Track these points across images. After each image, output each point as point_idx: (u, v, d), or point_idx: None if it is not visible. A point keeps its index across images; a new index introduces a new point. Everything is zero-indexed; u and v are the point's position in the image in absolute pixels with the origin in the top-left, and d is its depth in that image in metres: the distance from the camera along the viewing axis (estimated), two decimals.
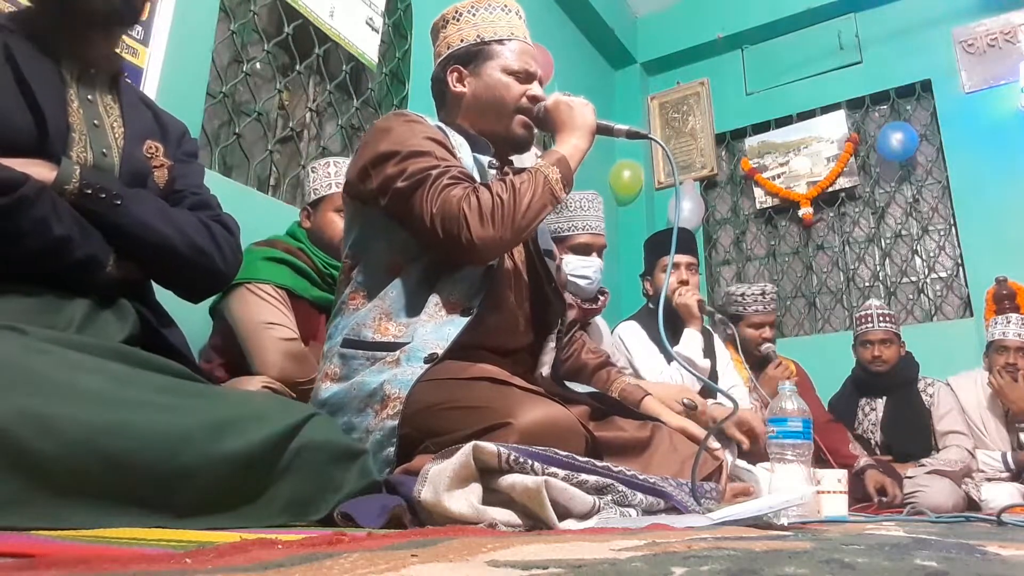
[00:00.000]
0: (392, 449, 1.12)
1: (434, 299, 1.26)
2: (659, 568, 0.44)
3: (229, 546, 0.48)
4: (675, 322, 2.49)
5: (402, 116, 1.36)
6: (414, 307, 1.27)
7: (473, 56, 1.45)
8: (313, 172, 2.04)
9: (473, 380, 1.13)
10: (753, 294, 2.86)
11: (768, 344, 2.82)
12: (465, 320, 1.23)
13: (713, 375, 2.52)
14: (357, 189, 1.33)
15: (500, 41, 1.45)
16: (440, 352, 1.18)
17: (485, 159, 1.43)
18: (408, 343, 1.21)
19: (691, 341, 2.42)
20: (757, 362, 2.81)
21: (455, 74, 1.46)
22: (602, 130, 1.41)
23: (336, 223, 1.94)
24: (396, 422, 1.12)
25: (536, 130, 1.47)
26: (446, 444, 0.98)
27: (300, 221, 2.03)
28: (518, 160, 1.56)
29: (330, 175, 2.00)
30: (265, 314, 1.77)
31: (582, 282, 2.14)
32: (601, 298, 2.27)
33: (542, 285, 1.47)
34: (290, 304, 1.84)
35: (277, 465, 0.90)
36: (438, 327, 1.22)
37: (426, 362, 1.17)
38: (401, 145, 1.27)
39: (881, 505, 2.58)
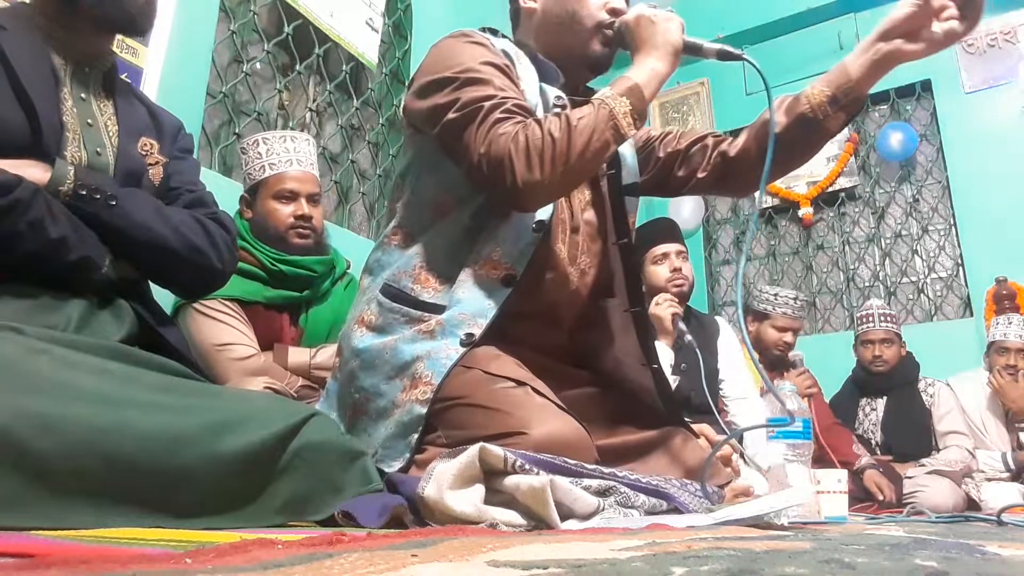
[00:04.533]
0: (416, 436, 1.08)
1: (477, 254, 1.18)
2: (659, 568, 0.44)
3: (229, 546, 0.48)
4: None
5: (466, 37, 1.24)
6: (456, 260, 1.19)
7: None
8: (244, 154, 1.83)
9: (496, 377, 1.09)
10: (785, 297, 2.87)
11: (797, 352, 2.80)
12: (506, 291, 1.15)
13: (715, 380, 2.47)
14: (411, 113, 1.24)
15: None
16: (478, 333, 1.12)
17: (552, 93, 1.28)
18: (445, 308, 1.16)
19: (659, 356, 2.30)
20: (771, 363, 2.82)
21: None
22: (689, 49, 1.24)
23: (278, 211, 1.77)
24: (424, 410, 1.08)
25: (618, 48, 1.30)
26: (459, 440, 0.98)
27: (240, 211, 1.84)
28: None
29: (262, 155, 1.79)
30: (215, 335, 1.65)
31: None
32: None
33: (606, 235, 1.30)
34: (243, 314, 1.71)
35: (277, 465, 0.89)
36: (477, 296, 1.15)
37: (462, 344, 1.11)
38: (458, 70, 1.16)
39: (880, 505, 2.58)
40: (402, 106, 1.28)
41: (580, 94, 1.34)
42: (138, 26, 1.18)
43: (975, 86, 3.71)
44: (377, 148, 2.94)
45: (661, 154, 1.46)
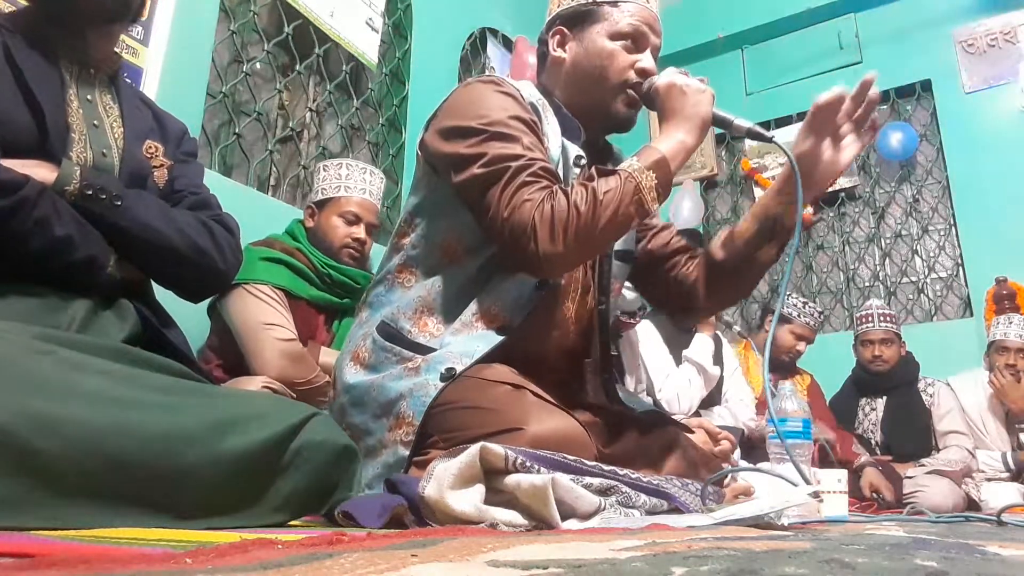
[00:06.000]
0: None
1: (475, 304, 1.17)
2: (659, 568, 0.44)
3: (229, 546, 0.48)
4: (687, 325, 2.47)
5: (496, 86, 1.22)
6: (456, 307, 1.19)
7: (581, 17, 1.30)
8: (324, 171, 2.02)
9: (490, 382, 1.10)
10: (811, 309, 2.98)
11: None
12: (498, 338, 1.14)
13: (719, 383, 2.50)
14: (430, 151, 1.23)
15: (614, 3, 1.28)
16: (458, 368, 1.10)
17: (573, 151, 1.27)
18: (435, 351, 1.15)
19: (702, 347, 2.38)
20: (781, 366, 2.85)
21: (557, 36, 1.32)
22: (718, 122, 1.23)
23: (338, 228, 1.96)
24: (407, 452, 1.08)
25: (641, 106, 1.31)
26: (457, 442, 0.98)
27: (303, 219, 2.03)
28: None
29: (340, 177, 1.99)
30: (263, 314, 1.78)
31: (628, 294, 2.08)
32: (639, 314, 2.25)
33: (596, 294, 1.33)
34: (288, 304, 1.84)
35: (278, 464, 0.90)
36: (468, 340, 1.15)
37: (442, 379, 1.10)
38: (486, 122, 1.15)
39: (880, 505, 2.58)
40: (419, 140, 1.27)
41: (600, 149, 1.35)
42: (114, 14, 1.15)
43: (975, 86, 3.71)
44: (377, 148, 2.94)
45: (650, 245, 1.45)
